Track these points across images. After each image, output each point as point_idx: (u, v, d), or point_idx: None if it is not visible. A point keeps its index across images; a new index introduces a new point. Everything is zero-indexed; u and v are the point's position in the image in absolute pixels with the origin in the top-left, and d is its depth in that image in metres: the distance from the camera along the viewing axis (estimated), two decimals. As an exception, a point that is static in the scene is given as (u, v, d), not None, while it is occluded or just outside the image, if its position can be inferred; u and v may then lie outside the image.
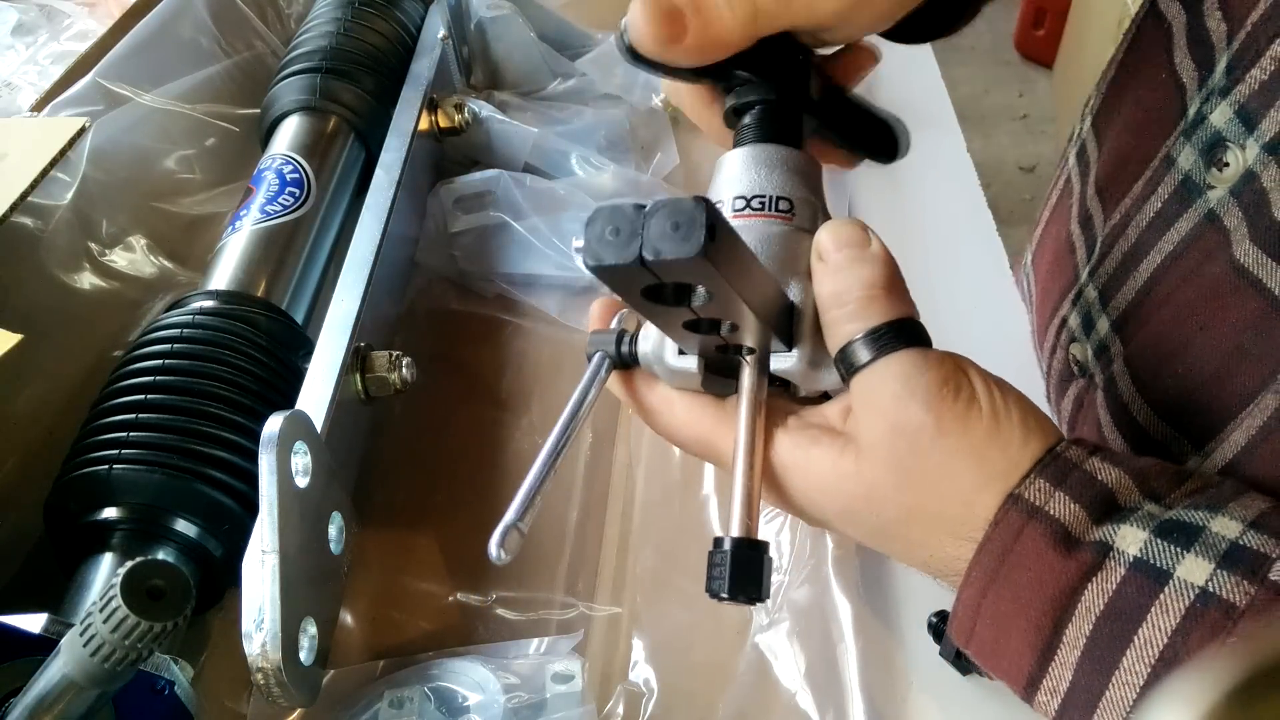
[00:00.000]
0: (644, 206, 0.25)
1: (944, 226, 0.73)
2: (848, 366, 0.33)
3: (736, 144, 0.37)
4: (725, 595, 0.30)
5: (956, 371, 0.32)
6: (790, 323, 0.34)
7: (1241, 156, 0.37)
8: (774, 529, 0.52)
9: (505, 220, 0.70)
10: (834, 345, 0.33)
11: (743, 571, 0.30)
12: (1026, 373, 0.55)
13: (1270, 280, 0.35)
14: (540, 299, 0.68)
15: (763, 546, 0.31)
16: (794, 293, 0.34)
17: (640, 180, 0.75)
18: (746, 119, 0.37)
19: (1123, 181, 0.45)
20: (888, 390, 0.32)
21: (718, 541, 0.31)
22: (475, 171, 0.72)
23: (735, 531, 0.31)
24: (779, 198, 0.35)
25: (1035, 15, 2.63)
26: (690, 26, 0.34)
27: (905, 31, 0.40)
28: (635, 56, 0.36)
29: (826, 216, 0.36)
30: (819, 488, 0.34)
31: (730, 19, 0.35)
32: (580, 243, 0.26)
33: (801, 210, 0.35)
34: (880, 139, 0.41)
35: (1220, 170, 0.38)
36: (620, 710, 0.46)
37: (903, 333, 0.32)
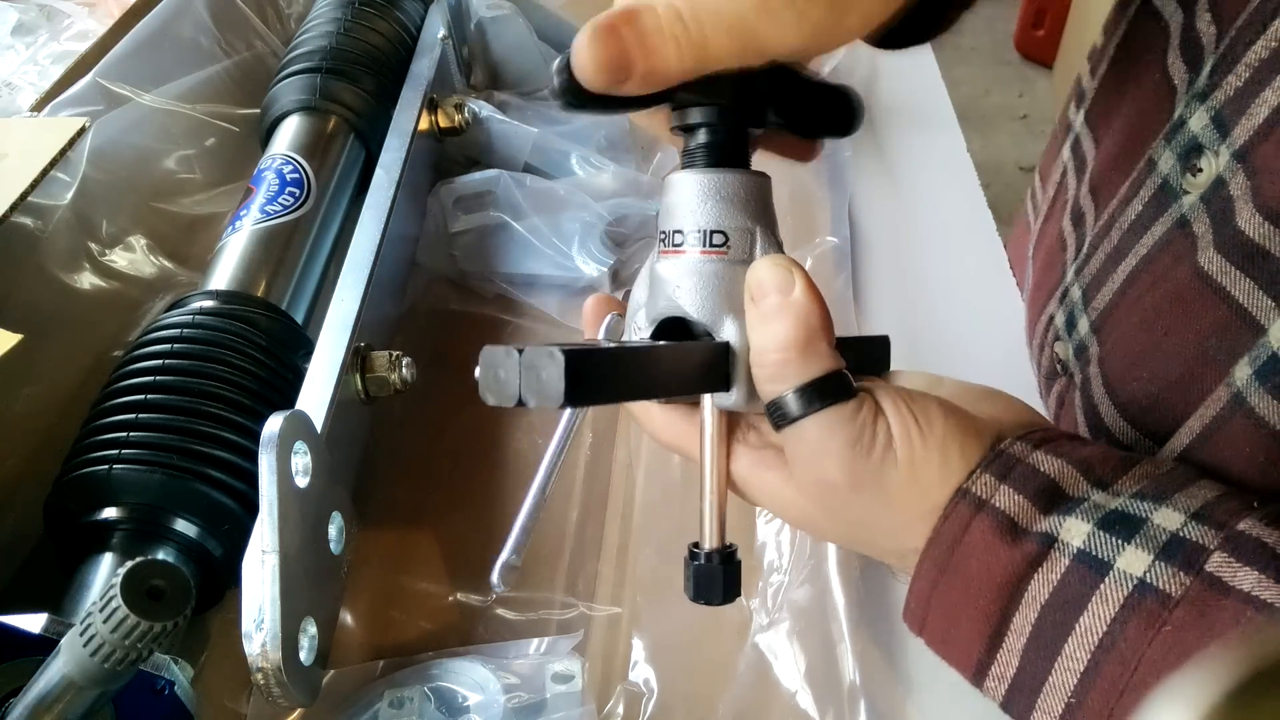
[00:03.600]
0: (522, 351, 0.28)
1: (944, 226, 0.73)
2: (773, 421, 0.34)
3: (681, 165, 0.36)
4: (690, 597, 0.35)
5: (870, 424, 0.33)
6: (727, 365, 0.34)
7: (1215, 162, 0.37)
8: (774, 529, 0.53)
9: (505, 220, 0.70)
10: (762, 397, 0.34)
11: (705, 583, 0.35)
12: (1024, 373, 0.55)
13: (1234, 288, 0.35)
14: (540, 299, 0.69)
15: (727, 560, 0.35)
16: (729, 331, 0.34)
17: (640, 180, 0.75)
18: (688, 142, 0.36)
19: (1113, 182, 0.45)
20: (805, 449, 0.33)
21: (693, 551, 0.35)
22: (475, 171, 0.72)
23: (708, 545, 0.35)
24: (713, 231, 0.34)
25: (1035, 15, 2.63)
26: (634, 65, 0.32)
27: (887, 39, 0.39)
28: (571, 100, 0.34)
29: (774, 238, 0.35)
30: (770, 503, 0.37)
31: (675, 59, 0.32)
32: (478, 375, 0.29)
33: (738, 241, 0.34)
34: (835, 112, 0.38)
35: (1195, 176, 0.38)
36: (620, 710, 0.46)
37: (817, 393, 0.33)
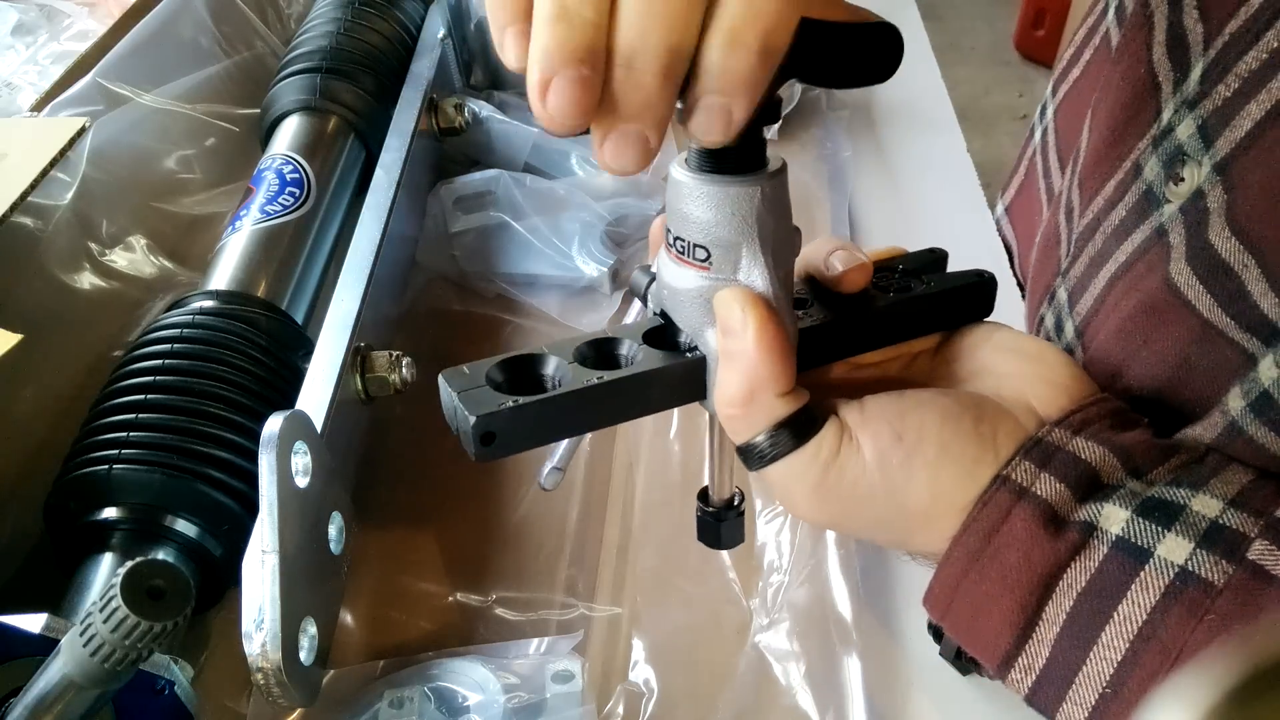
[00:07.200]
0: (465, 407, 0.30)
1: (944, 226, 0.73)
2: (744, 463, 0.34)
3: (686, 157, 0.32)
4: (697, 538, 0.39)
5: (833, 460, 0.32)
6: (704, 376, 0.34)
7: (1197, 173, 0.36)
8: (774, 529, 0.52)
9: (505, 220, 0.70)
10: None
11: (705, 530, 0.39)
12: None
13: (1198, 303, 0.35)
14: (540, 299, 0.68)
15: (727, 514, 0.38)
16: (711, 340, 0.33)
17: (640, 180, 0.75)
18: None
19: (1097, 178, 0.45)
20: (777, 491, 0.34)
21: (700, 502, 0.39)
22: (475, 171, 0.72)
23: (714, 498, 0.38)
24: (696, 245, 0.32)
25: (1035, 15, 2.63)
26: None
27: None
28: None
29: (764, 256, 0.32)
30: (769, 485, 0.36)
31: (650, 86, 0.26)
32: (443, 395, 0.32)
33: (720, 259, 0.32)
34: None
35: (1177, 185, 0.37)
36: (620, 710, 0.46)
37: (773, 442, 0.32)
